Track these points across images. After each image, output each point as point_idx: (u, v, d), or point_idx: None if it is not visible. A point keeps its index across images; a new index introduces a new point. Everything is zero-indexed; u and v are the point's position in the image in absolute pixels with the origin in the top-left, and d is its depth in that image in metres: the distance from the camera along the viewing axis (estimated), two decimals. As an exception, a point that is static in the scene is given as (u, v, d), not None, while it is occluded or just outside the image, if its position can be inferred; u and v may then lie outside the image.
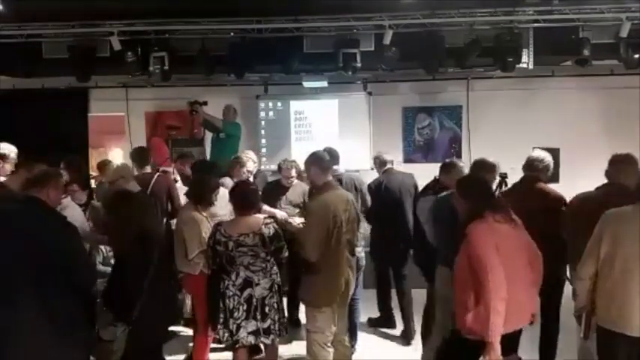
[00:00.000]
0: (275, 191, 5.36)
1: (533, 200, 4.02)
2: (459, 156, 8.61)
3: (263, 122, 8.66)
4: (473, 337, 3.06)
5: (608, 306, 3.08)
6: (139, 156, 5.61)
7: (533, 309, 3.27)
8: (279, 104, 8.68)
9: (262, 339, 3.88)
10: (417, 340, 4.85)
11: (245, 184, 4.34)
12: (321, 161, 3.99)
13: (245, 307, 3.81)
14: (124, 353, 3.28)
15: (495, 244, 3.04)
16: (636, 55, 6.40)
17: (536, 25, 6.45)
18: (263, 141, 8.61)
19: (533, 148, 6.22)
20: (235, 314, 3.82)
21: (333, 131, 8.48)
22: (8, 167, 4.85)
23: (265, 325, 3.86)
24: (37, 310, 2.95)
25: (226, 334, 3.85)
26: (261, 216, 4.02)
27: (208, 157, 7.79)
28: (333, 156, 4.65)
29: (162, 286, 3.42)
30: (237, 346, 3.90)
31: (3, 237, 3.00)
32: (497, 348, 2.96)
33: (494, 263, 2.98)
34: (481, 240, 3.05)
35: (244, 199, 3.93)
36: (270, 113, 8.70)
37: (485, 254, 3.00)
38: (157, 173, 5.41)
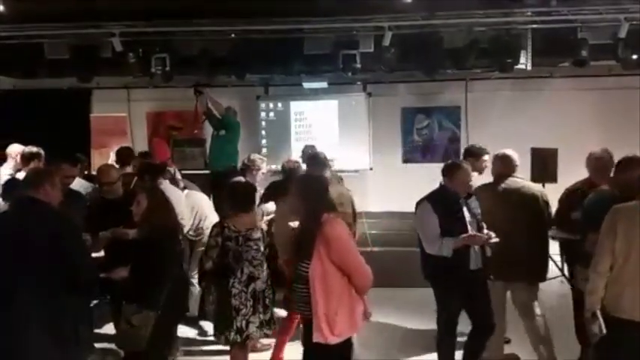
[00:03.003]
0: (280, 191, 5.41)
1: None
2: (457, 156, 8.66)
3: (263, 123, 8.72)
4: (341, 340, 3.09)
5: (620, 296, 3.17)
6: (121, 156, 5.93)
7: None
8: (279, 105, 8.74)
9: (265, 331, 3.96)
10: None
11: (247, 183, 4.62)
12: (312, 159, 4.31)
13: (251, 303, 3.87)
14: (150, 338, 3.37)
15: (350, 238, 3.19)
16: (634, 56, 6.41)
17: (534, 26, 6.46)
18: (263, 141, 8.66)
19: (531, 148, 6.33)
20: (243, 311, 3.85)
21: (332, 132, 8.53)
22: (41, 166, 5.12)
23: (267, 317, 3.94)
24: (39, 309, 2.98)
25: (232, 334, 3.86)
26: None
27: (208, 154, 7.85)
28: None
29: (181, 274, 3.61)
30: (247, 341, 3.95)
31: (4, 239, 3.03)
32: None
33: (362, 258, 3.16)
34: (346, 238, 3.13)
35: (250, 197, 4.13)
36: (271, 114, 8.75)
37: (355, 252, 3.15)
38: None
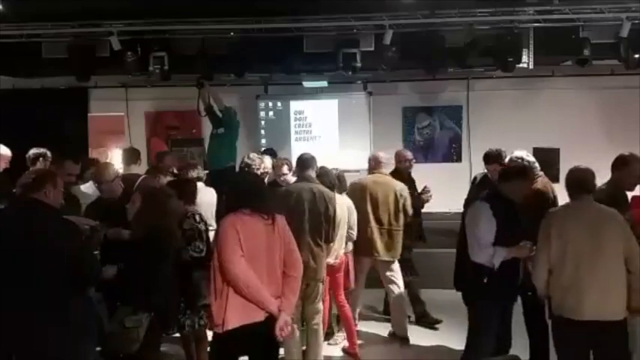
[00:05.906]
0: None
1: None
2: (459, 156, 8.62)
3: (263, 122, 8.68)
4: (226, 329, 3.08)
5: (562, 297, 3.33)
6: (126, 156, 5.94)
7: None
8: (279, 104, 8.69)
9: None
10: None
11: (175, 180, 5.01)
12: (298, 160, 4.62)
13: None
14: (144, 340, 3.33)
15: (239, 236, 3.10)
16: (636, 55, 6.39)
17: (536, 25, 6.43)
18: (263, 141, 8.61)
19: (533, 148, 6.28)
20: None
21: (333, 131, 8.49)
22: (48, 166, 5.14)
23: None
24: (46, 309, 2.98)
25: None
26: None
27: (206, 154, 7.79)
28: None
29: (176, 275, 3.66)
30: None
31: (7, 240, 3.01)
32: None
33: (235, 256, 3.08)
34: (225, 234, 3.14)
35: (188, 191, 4.36)
36: (270, 113, 8.71)
37: (223, 247, 3.10)
38: (142, 175, 5.43)
